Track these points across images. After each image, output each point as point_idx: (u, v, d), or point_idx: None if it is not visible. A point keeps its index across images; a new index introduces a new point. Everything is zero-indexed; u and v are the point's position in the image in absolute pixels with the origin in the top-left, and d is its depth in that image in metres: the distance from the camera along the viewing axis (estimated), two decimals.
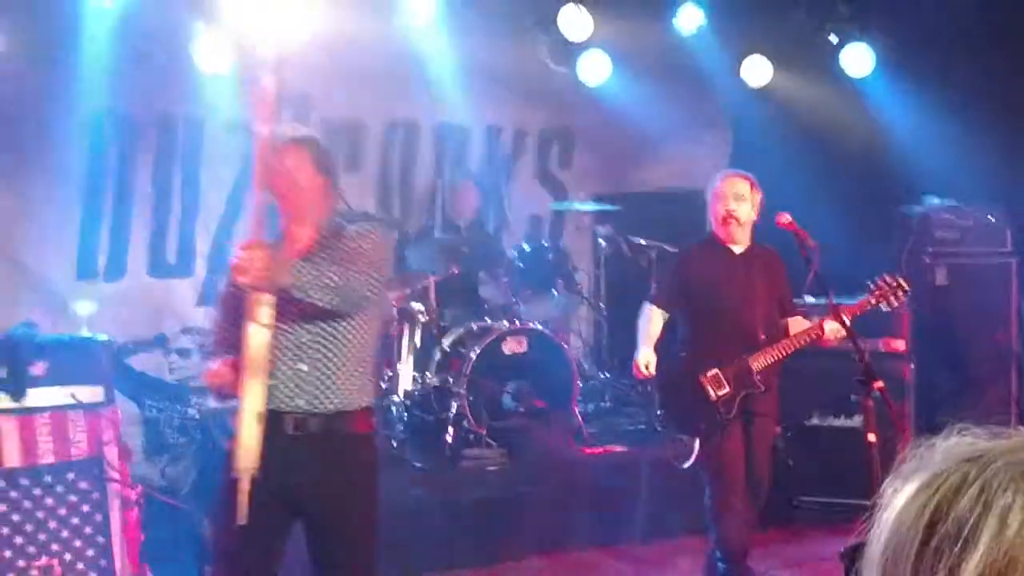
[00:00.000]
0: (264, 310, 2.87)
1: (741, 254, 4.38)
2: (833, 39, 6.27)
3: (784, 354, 4.29)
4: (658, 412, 5.10)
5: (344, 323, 3.03)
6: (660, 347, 4.48)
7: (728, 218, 4.28)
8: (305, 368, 3.01)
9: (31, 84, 5.27)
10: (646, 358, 4.35)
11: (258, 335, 2.87)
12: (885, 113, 6.27)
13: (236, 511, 2.87)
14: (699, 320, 4.31)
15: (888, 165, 6.15)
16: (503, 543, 4.99)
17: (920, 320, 5.61)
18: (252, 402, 2.87)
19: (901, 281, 4.26)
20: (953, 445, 0.83)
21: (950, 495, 0.78)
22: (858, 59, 6.27)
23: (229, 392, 2.99)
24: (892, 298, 4.27)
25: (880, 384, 3.66)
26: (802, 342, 4.31)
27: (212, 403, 5.68)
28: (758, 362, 4.26)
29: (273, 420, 2.94)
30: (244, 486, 2.88)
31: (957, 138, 5.67)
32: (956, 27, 5.86)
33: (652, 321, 4.41)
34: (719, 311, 4.28)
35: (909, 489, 0.81)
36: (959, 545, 0.76)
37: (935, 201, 6.08)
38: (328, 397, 3.03)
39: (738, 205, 4.26)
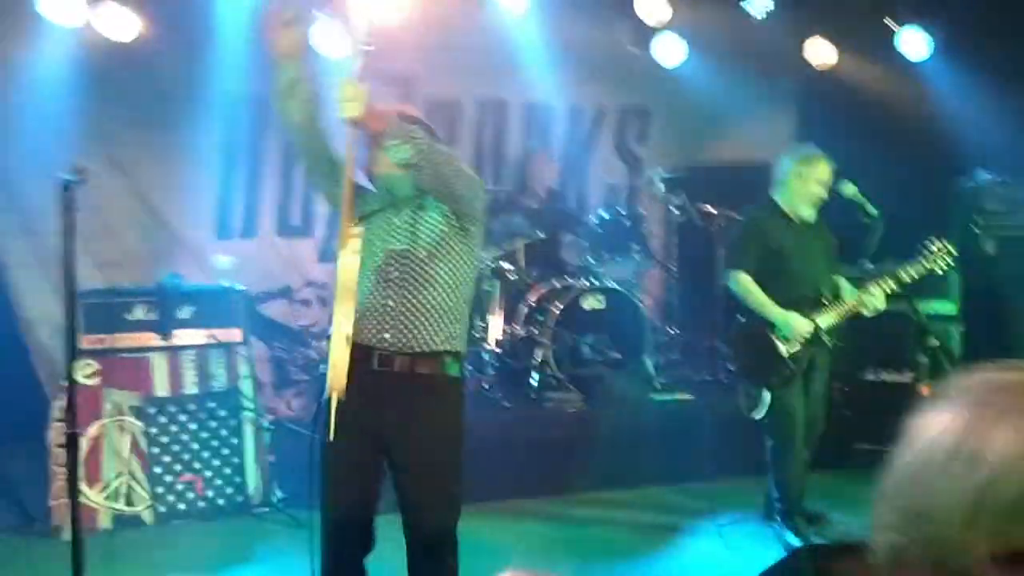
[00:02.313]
0: (354, 241, 2.70)
1: (803, 222, 4.23)
2: (892, 24, 5.96)
3: (847, 313, 4.14)
4: (732, 367, 4.98)
5: (431, 264, 2.77)
6: (732, 306, 4.34)
7: (820, 201, 4.20)
8: (392, 304, 2.75)
9: (174, 66, 5.32)
10: (803, 322, 4.09)
11: (348, 263, 2.68)
12: (942, 92, 5.96)
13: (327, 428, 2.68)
14: (771, 282, 4.16)
15: (943, 141, 5.86)
16: (579, 477, 4.98)
17: (969, 286, 5.37)
18: (342, 326, 2.66)
19: (949, 246, 4.07)
20: (981, 378, 0.87)
21: (975, 420, 0.83)
22: (915, 42, 5.99)
23: None
24: (941, 262, 4.08)
25: (934, 342, 3.52)
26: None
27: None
28: (824, 320, 4.11)
29: (362, 353, 2.70)
30: (333, 404, 2.66)
31: (1009, 118, 5.39)
32: (1010, 12, 5.50)
33: (756, 288, 4.16)
34: (789, 274, 4.15)
35: (942, 414, 0.85)
36: (975, 458, 0.81)
37: (987, 176, 5.79)
38: (413, 336, 2.75)
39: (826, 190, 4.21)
